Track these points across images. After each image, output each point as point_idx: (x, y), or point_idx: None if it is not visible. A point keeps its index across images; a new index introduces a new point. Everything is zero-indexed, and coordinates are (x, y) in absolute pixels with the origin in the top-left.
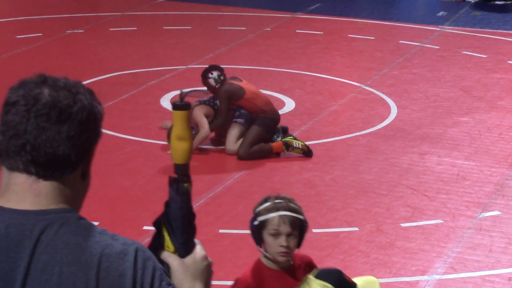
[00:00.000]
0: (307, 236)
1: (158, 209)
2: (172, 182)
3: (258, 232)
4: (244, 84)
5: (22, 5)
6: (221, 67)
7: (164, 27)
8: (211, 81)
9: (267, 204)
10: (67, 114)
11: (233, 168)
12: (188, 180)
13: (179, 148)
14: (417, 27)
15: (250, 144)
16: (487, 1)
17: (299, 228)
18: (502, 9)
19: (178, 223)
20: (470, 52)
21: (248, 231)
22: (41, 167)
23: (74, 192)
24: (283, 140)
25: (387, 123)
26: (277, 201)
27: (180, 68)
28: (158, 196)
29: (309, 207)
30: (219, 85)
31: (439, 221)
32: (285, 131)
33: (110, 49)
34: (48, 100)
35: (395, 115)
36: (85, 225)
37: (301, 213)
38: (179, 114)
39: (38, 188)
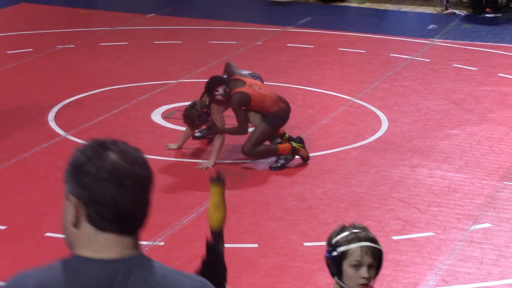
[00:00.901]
0: (298, 250)
1: (149, 223)
2: (210, 246)
3: (337, 263)
4: (248, 88)
5: (12, 20)
6: (222, 78)
7: (155, 42)
8: (219, 97)
9: (346, 234)
10: (149, 184)
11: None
12: (223, 244)
13: (216, 217)
14: (407, 40)
15: (256, 141)
16: (477, 14)
17: (378, 259)
18: (492, 21)
19: (215, 278)
20: (460, 65)
21: (239, 245)
22: (130, 228)
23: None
24: (293, 144)
25: (378, 136)
26: (356, 231)
27: (171, 83)
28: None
29: (300, 220)
30: (227, 96)
31: (431, 233)
32: (300, 140)
33: (100, 64)
34: (142, 174)
35: (386, 128)
36: (157, 265)
37: (379, 243)
38: (217, 189)
39: (123, 241)
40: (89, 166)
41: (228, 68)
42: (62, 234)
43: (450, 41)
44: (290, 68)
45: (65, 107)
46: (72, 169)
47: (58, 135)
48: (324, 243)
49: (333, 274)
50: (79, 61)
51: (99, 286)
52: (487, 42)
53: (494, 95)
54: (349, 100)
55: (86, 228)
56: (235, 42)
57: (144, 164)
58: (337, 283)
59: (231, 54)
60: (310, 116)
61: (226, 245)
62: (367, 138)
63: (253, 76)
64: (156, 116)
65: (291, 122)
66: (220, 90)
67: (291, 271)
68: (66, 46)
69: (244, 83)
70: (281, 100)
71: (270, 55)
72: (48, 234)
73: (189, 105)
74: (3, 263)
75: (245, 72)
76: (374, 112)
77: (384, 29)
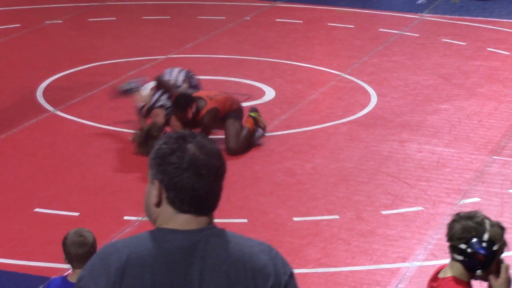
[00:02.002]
0: (288, 225)
1: (138, 199)
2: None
3: (492, 258)
4: (212, 103)
5: None
6: (192, 96)
7: (143, 17)
8: (190, 115)
9: (495, 228)
10: (223, 173)
11: None
12: None
13: None
14: (396, 15)
15: (237, 137)
16: None
17: None
18: None
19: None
20: (449, 39)
21: (229, 220)
22: (205, 210)
23: None
24: (252, 115)
25: (367, 111)
26: (496, 223)
27: (160, 58)
28: (139, 186)
29: (289, 195)
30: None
31: (420, 208)
32: (255, 110)
33: (89, 39)
34: (217, 164)
35: (375, 103)
36: (229, 233)
37: None
38: None
39: (199, 220)
40: (171, 157)
41: (163, 83)
42: (144, 213)
43: (439, 15)
44: (279, 43)
45: (53, 82)
46: (156, 157)
47: (46, 110)
48: (314, 218)
49: (475, 269)
50: (67, 36)
51: (182, 253)
52: (476, 16)
53: (483, 70)
54: (338, 75)
55: (167, 208)
56: (224, 18)
57: (219, 155)
58: (478, 277)
59: (220, 29)
60: (299, 91)
61: (215, 220)
62: (356, 113)
63: (188, 74)
64: (145, 91)
65: (280, 97)
66: (194, 108)
67: (281, 246)
68: (54, 21)
69: (205, 101)
70: (229, 94)
71: (259, 31)
72: (37, 209)
73: (144, 134)
74: None
75: (176, 70)
76: (363, 87)
77: (373, 4)
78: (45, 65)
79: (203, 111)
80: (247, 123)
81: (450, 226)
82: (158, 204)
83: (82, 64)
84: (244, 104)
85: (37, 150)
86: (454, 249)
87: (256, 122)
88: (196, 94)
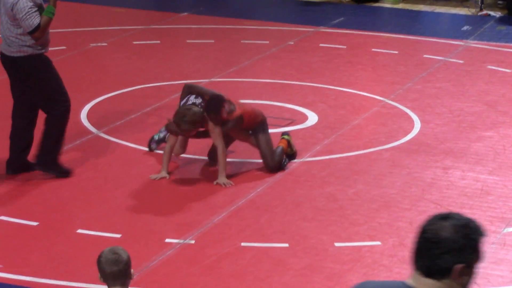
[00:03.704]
0: (329, 250)
1: (180, 222)
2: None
3: None
4: (241, 109)
5: None
6: (222, 96)
7: (187, 41)
8: (225, 115)
9: None
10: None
11: (255, 181)
12: None
13: None
14: (441, 42)
15: (272, 153)
16: None
17: None
18: None
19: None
20: (494, 66)
21: (270, 245)
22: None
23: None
24: (286, 139)
25: (411, 137)
26: None
27: (203, 82)
28: (181, 209)
29: (331, 221)
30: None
31: None
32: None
33: (133, 62)
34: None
35: (418, 129)
36: None
37: None
38: None
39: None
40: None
41: (192, 88)
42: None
43: (485, 42)
44: (322, 68)
45: (97, 104)
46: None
47: (90, 132)
48: (355, 244)
49: None
50: (112, 59)
51: None
52: None
53: None
54: (381, 101)
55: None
56: (267, 42)
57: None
58: None
59: (263, 53)
60: (342, 117)
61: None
62: (399, 139)
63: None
64: None
65: (323, 122)
66: (227, 107)
67: (321, 271)
68: (99, 44)
69: (235, 105)
70: (253, 107)
71: (303, 55)
72: (79, 231)
73: (183, 110)
74: (35, 259)
75: (192, 97)
76: (406, 113)
77: (418, 30)
78: (89, 87)
79: (232, 116)
80: (281, 143)
81: None
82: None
83: (126, 87)
84: (287, 129)
85: (81, 171)
86: None
87: (289, 145)
88: (229, 99)
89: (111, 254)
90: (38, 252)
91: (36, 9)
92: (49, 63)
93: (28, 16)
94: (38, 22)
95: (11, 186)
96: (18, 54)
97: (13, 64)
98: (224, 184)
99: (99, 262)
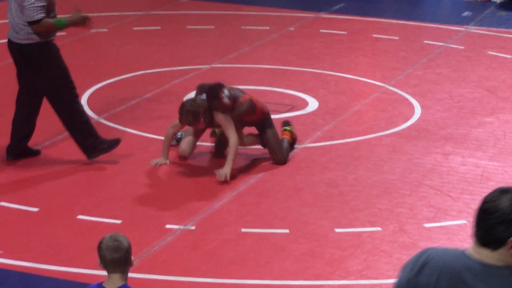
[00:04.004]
0: (329, 236)
1: (181, 207)
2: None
3: None
4: (249, 96)
5: None
6: (220, 82)
7: (187, 27)
8: (227, 100)
9: None
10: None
11: (255, 167)
12: None
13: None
14: (441, 27)
15: (280, 147)
16: None
17: None
18: None
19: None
20: (495, 52)
21: (270, 230)
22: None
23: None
24: (287, 129)
25: (411, 123)
26: None
27: (204, 68)
28: (181, 195)
29: (332, 206)
30: (232, 100)
31: (463, 221)
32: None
33: (133, 48)
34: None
35: (419, 115)
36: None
37: None
38: None
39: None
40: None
41: (206, 86)
42: None
43: (485, 28)
44: (323, 54)
45: (97, 91)
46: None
47: (90, 118)
48: (356, 230)
49: None
50: (112, 45)
51: (472, 276)
52: None
53: None
54: (382, 86)
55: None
56: (268, 28)
57: None
58: None
59: (264, 39)
60: (343, 103)
61: (257, 230)
62: (400, 125)
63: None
64: None
65: (323, 108)
66: (225, 91)
67: (322, 257)
68: (99, 30)
69: (242, 92)
70: (258, 100)
71: (303, 41)
72: (80, 216)
73: (188, 101)
74: (35, 244)
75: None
76: (407, 99)
77: (418, 15)
78: (90, 73)
79: (241, 99)
80: (285, 135)
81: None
82: None
83: (127, 73)
84: (287, 115)
85: (80, 157)
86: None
87: (291, 135)
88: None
89: (112, 241)
90: (38, 238)
91: (44, 4)
92: (57, 50)
93: (33, 7)
94: (40, 18)
95: (11, 172)
96: (26, 41)
97: (20, 51)
98: (221, 175)
99: (99, 248)
